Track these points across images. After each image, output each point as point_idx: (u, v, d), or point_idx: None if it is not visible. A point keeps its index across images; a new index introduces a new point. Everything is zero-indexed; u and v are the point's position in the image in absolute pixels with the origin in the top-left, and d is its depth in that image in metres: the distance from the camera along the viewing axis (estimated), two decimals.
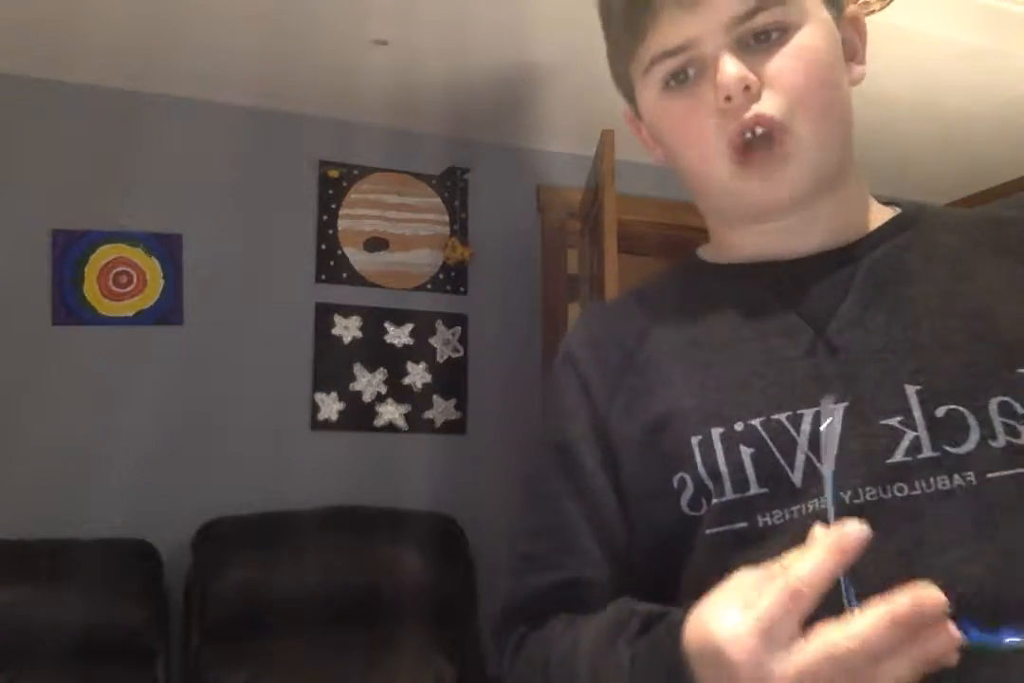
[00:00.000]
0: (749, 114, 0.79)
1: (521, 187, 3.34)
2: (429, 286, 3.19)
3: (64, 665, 2.25)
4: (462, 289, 3.22)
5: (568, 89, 2.93)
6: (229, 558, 2.59)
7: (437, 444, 3.10)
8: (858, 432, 0.75)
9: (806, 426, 0.77)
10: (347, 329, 3.06)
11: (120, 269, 2.85)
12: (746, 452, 0.78)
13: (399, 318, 3.12)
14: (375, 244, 3.15)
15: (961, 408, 0.74)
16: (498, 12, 2.45)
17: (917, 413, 0.75)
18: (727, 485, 0.77)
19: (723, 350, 0.84)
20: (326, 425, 2.99)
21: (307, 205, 3.09)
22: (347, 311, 3.07)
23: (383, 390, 3.06)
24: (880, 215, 0.88)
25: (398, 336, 3.11)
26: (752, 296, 0.86)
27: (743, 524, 0.76)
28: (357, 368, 3.05)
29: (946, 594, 0.55)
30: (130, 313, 2.85)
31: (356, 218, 3.14)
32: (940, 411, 0.74)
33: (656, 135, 0.89)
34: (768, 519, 0.76)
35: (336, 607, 2.56)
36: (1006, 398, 0.73)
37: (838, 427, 0.75)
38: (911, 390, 0.75)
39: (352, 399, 3.03)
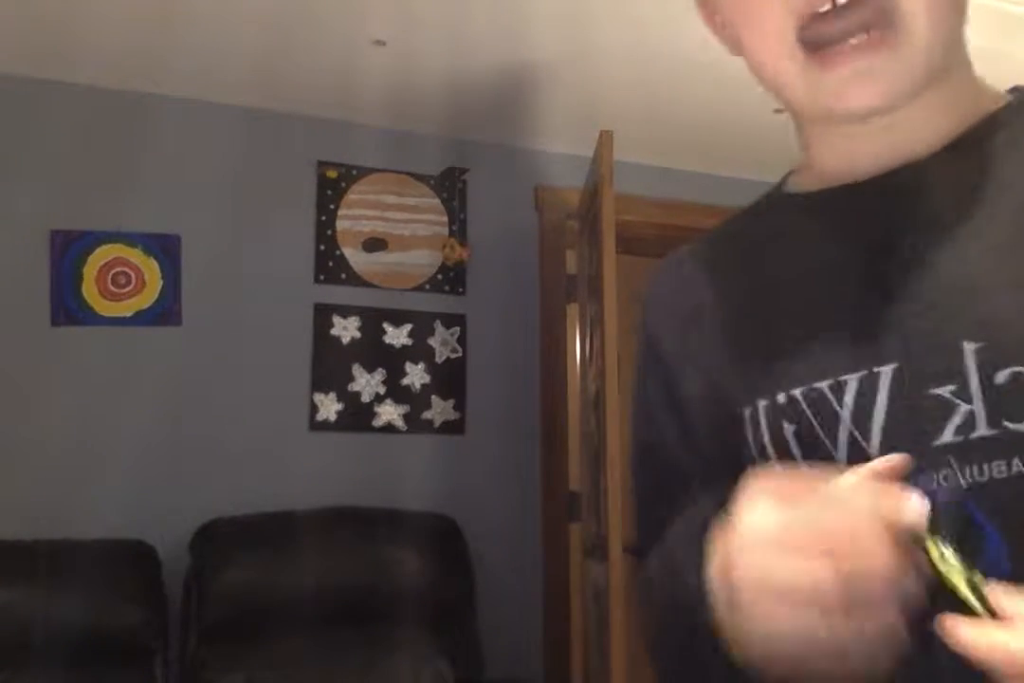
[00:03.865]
0: None
1: (519, 187, 3.34)
2: (428, 286, 3.19)
3: (62, 665, 2.25)
4: (461, 289, 3.22)
5: (567, 89, 2.93)
6: (227, 558, 2.59)
7: (436, 444, 3.10)
8: (905, 404, 0.63)
9: (848, 397, 0.65)
10: (346, 329, 3.06)
11: (119, 269, 2.85)
12: (789, 429, 0.68)
13: (398, 318, 3.12)
14: (374, 244, 3.15)
15: None
16: (497, 12, 2.45)
17: (973, 379, 0.61)
18: (777, 467, 0.68)
19: (777, 304, 0.73)
20: (325, 425, 2.99)
21: (306, 205, 3.09)
22: (346, 311, 3.07)
23: (382, 390, 3.06)
24: (983, 105, 0.73)
25: (397, 336, 3.11)
26: (815, 235, 0.73)
27: None
28: (356, 368, 3.05)
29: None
30: (128, 313, 2.84)
31: (355, 218, 3.14)
32: (1002, 375, 0.60)
33: (726, 18, 0.74)
34: None
35: (334, 607, 2.56)
36: None
37: (882, 399, 0.64)
38: (969, 348, 0.61)
39: (351, 399, 3.03)
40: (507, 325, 3.26)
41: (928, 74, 0.66)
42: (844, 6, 0.63)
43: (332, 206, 3.12)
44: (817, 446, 0.67)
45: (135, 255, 2.87)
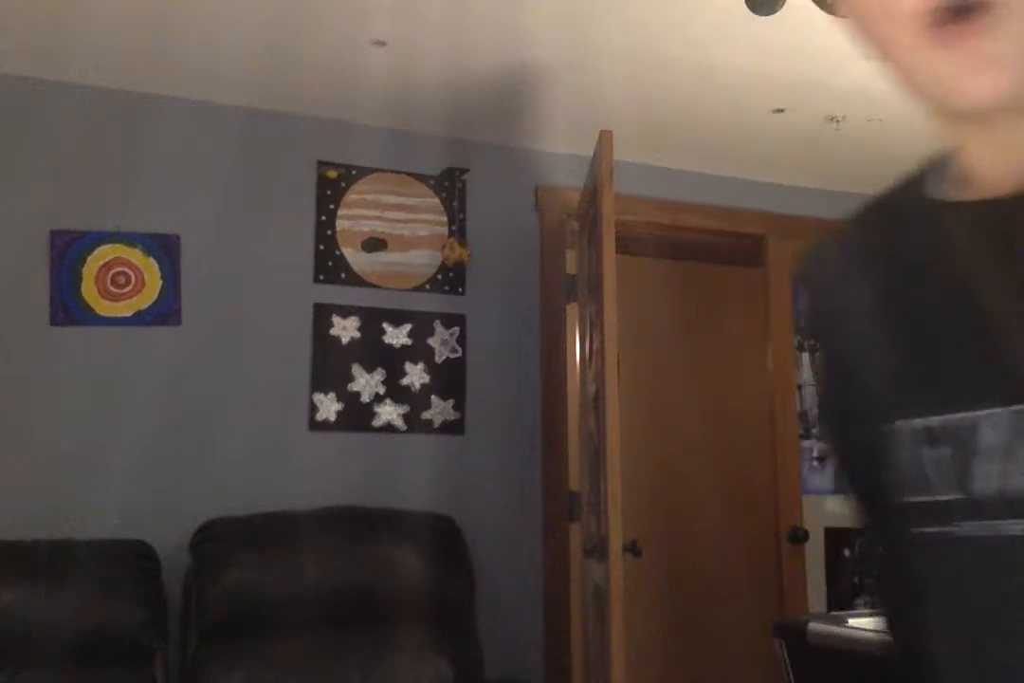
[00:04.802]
0: None
1: (519, 187, 3.34)
2: (427, 286, 3.19)
3: (62, 665, 2.25)
4: (460, 289, 3.22)
5: (567, 90, 2.93)
6: (227, 558, 2.59)
7: (435, 444, 3.10)
8: None
9: (977, 430, 0.62)
10: (345, 329, 3.06)
11: (118, 269, 2.85)
12: (928, 455, 0.65)
13: (397, 318, 3.12)
14: (373, 244, 3.15)
15: None
16: (497, 13, 2.45)
17: None
18: (915, 485, 0.66)
19: (917, 323, 0.69)
20: (324, 425, 2.99)
21: (305, 205, 3.09)
22: (345, 311, 3.07)
23: (381, 390, 3.06)
24: None
25: (396, 336, 3.11)
26: (970, 255, 0.67)
27: (935, 529, 0.66)
28: (355, 368, 3.05)
29: None
30: (128, 313, 2.84)
31: (354, 218, 3.14)
32: None
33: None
34: (958, 529, 0.64)
35: (334, 607, 2.56)
36: None
37: (1004, 438, 0.61)
38: None
39: (350, 399, 3.03)
40: (507, 325, 3.26)
41: None
42: None
43: (332, 206, 3.12)
44: (951, 477, 0.65)
45: (135, 255, 2.87)
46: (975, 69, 0.56)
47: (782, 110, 3.06)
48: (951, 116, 0.63)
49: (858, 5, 0.61)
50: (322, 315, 3.04)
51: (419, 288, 3.18)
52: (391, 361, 3.09)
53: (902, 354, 0.70)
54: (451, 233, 3.23)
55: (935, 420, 0.65)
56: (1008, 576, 0.62)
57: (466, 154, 3.27)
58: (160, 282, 2.88)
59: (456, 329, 3.18)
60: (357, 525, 2.75)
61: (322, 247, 3.08)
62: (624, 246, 2.86)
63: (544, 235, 3.36)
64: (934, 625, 0.68)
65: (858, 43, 0.63)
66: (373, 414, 3.05)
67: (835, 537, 3.63)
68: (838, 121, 3.10)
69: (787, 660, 2.28)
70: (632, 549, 2.95)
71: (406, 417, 3.08)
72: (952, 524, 0.64)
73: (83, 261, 2.81)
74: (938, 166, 0.70)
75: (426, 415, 3.10)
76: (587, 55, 2.70)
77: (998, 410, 0.61)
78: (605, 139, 2.72)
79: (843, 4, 0.64)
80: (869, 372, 0.73)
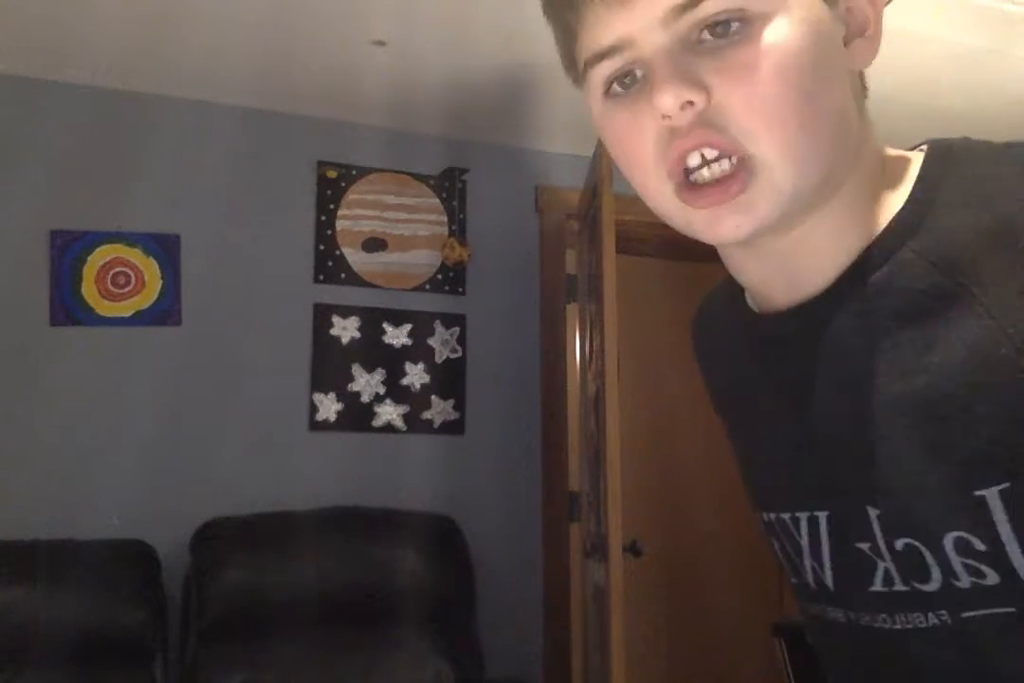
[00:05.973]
0: (690, 137, 0.63)
1: (519, 187, 3.34)
2: (428, 286, 3.19)
3: (62, 665, 2.25)
4: (460, 289, 3.22)
5: (567, 89, 2.89)
6: (227, 559, 2.59)
7: (435, 444, 3.10)
8: (841, 551, 0.69)
9: (804, 532, 0.71)
10: (345, 329, 3.06)
11: (118, 270, 2.85)
12: (776, 545, 0.76)
13: (397, 318, 3.12)
14: (373, 244, 3.15)
15: (918, 543, 0.64)
16: (497, 13, 2.45)
17: (881, 543, 0.66)
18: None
19: (747, 422, 0.79)
20: (324, 425, 2.99)
21: (305, 205, 3.09)
22: (345, 311, 3.07)
23: (381, 390, 3.06)
24: (892, 207, 0.69)
25: (396, 336, 3.11)
26: (754, 362, 0.76)
27: (816, 608, 0.75)
28: (355, 368, 3.05)
29: None
30: (128, 314, 2.84)
31: (354, 218, 3.14)
32: (899, 544, 0.65)
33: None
34: (824, 611, 0.74)
35: (334, 607, 2.56)
36: (961, 533, 0.62)
37: (826, 540, 0.70)
38: (872, 514, 0.66)
39: (350, 399, 3.03)
40: (507, 325, 3.26)
41: (800, 205, 0.65)
42: (713, 160, 0.63)
43: (332, 206, 3.12)
44: (793, 565, 0.74)
45: (135, 255, 2.87)
46: (719, 220, 0.64)
47: None
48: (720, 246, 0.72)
49: (624, 171, 0.70)
50: (322, 315, 3.04)
51: (419, 288, 3.18)
52: (391, 361, 3.09)
53: (750, 449, 0.80)
54: (451, 233, 3.23)
55: (772, 516, 0.74)
56: (859, 653, 0.72)
57: (466, 154, 3.27)
58: (160, 282, 2.88)
59: (456, 329, 3.18)
60: (357, 525, 2.75)
61: (322, 247, 3.08)
62: (624, 246, 2.86)
63: (544, 235, 3.36)
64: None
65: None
66: (373, 414, 3.05)
67: None
68: None
69: (787, 660, 2.27)
70: (632, 549, 2.94)
71: (406, 417, 3.08)
72: (812, 606, 0.74)
73: (83, 261, 2.81)
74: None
75: (426, 415, 3.10)
76: None
77: (802, 514, 0.70)
78: None
79: (608, 147, 0.72)
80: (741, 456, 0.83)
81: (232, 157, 2.97)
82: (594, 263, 2.85)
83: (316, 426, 2.98)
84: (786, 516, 0.72)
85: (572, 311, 3.36)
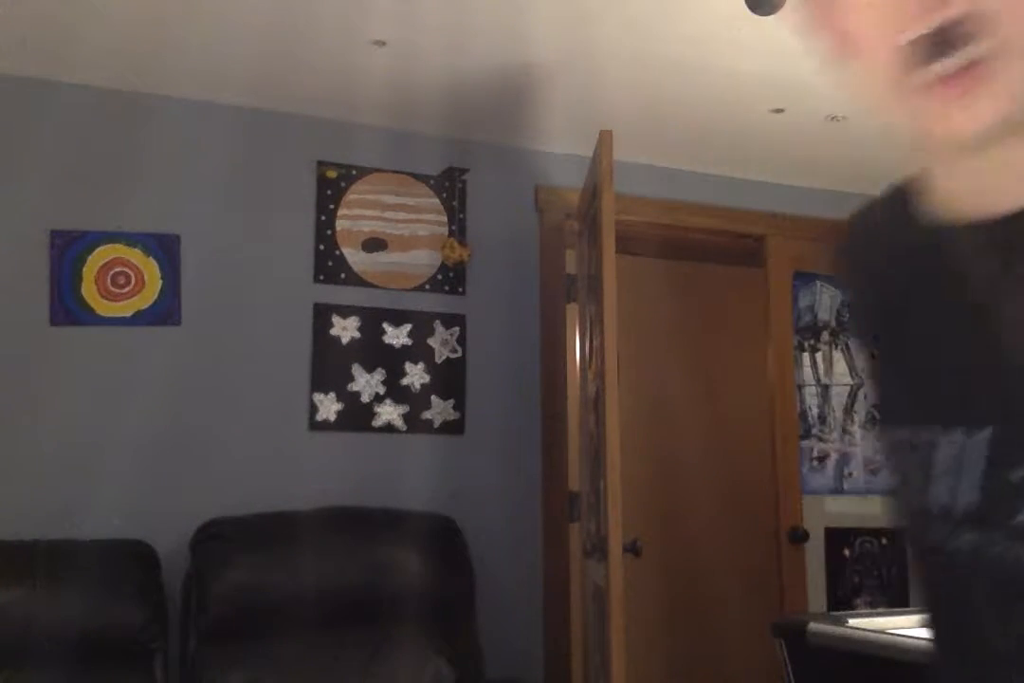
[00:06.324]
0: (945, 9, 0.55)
1: (519, 187, 3.34)
2: (427, 286, 3.19)
3: (62, 665, 2.25)
4: (460, 289, 3.22)
5: (566, 90, 2.93)
6: (227, 559, 2.59)
7: (435, 444, 3.10)
8: (990, 474, 0.64)
9: (955, 447, 0.66)
10: (345, 329, 3.06)
11: (118, 269, 2.85)
12: (912, 460, 0.70)
13: (397, 318, 3.12)
14: (373, 244, 3.15)
15: None
16: (497, 13, 2.45)
17: None
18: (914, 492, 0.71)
19: (916, 334, 0.71)
20: (324, 425, 2.99)
21: (305, 205, 3.09)
22: (345, 311, 3.07)
23: (381, 390, 3.06)
24: None
25: (396, 336, 3.11)
26: (936, 272, 0.69)
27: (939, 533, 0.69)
28: (355, 368, 3.05)
29: None
30: (128, 314, 2.84)
31: (354, 218, 3.14)
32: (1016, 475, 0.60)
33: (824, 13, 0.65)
34: (947, 540, 0.67)
35: (334, 607, 2.56)
36: None
37: (981, 461, 0.64)
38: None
39: (350, 399, 3.03)
40: (507, 325, 3.26)
41: None
42: (945, 30, 0.56)
43: (332, 206, 3.12)
44: (919, 487, 0.68)
45: (135, 255, 2.87)
46: (955, 110, 0.57)
47: (782, 110, 3.05)
48: (934, 144, 0.63)
49: (839, 38, 0.62)
50: (322, 315, 3.04)
51: (419, 288, 3.18)
52: (391, 361, 3.09)
53: (908, 363, 0.72)
54: (451, 233, 3.23)
55: (907, 432, 0.69)
56: (971, 588, 0.66)
57: (466, 154, 3.27)
58: (160, 282, 2.88)
59: (456, 329, 3.18)
60: (357, 525, 2.75)
61: (322, 247, 3.08)
62: (624, 246, 2.86)
63: (544, 235, 3.36)
64: (935, 621, 0.72)
65: (834, 68, 0.64)
66: (373, 414, 3.05)
67: (835, 537, 3.63)
68: (838, 121, 3.10)
69: (787, 660, 2.27)
70: (632, 549, 2.94)
71: (406, 417, 3.08)
72: (930, 534, 0.68)
73: (83, 261, 2.81)
74: (918, 186, 0.70)
75: (426, 415, 3.10)
76: (587, 55, 2.70)
77: (957, 431, 0.65)
78: (605, 139, 2.72)
79: (822, 36, 0.64)
80: (895, 371, 0.75)
81: (232, 157, 2.98)
82: (594, 263, 2.85)
83: (316, 426, 2.98)
84: (936, 429, 0.66)
85: (572, 311, 3.36)
